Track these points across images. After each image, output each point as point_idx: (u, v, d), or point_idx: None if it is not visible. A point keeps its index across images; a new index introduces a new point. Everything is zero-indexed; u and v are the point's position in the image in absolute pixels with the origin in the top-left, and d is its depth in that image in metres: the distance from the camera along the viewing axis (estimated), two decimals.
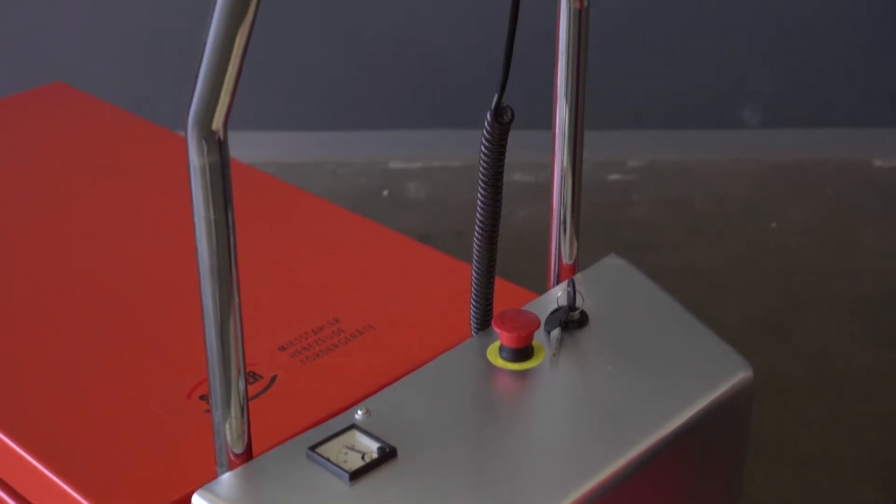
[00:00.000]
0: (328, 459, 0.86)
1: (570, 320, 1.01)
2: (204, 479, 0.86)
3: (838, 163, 2.50)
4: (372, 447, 0.87)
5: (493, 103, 0.90)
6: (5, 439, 1.00)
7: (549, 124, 1.04)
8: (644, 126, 2.54)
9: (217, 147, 0.76)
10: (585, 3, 0.99)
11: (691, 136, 2.54)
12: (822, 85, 2.50)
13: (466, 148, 2.52)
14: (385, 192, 2.44)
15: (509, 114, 0.91)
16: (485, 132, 0.92)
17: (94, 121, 1.59)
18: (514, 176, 2.42)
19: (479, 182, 0.94)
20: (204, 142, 0.75)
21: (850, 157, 2.50)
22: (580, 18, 0.99)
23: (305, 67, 2.49)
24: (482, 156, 0.92)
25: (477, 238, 0.96)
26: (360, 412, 0.91)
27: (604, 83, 2.42)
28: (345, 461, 0.86)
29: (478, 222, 0.96)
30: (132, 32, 2.45)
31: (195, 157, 0.76)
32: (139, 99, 2.29)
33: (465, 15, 2.41)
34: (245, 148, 2.20)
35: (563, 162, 1.05)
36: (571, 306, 1.01)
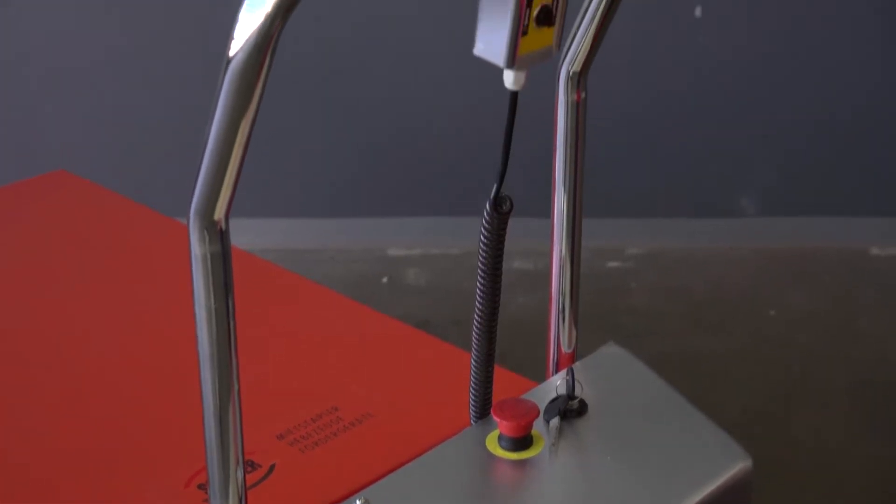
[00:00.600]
0: None
1: (570, 409, 1.01)
2: None
3: (836, 251, 2.51)
4: None
5: (493, 193, 0.91)
6: None
7: (547, 212, 1.05)
8: (642, 214, 2.55)
9: (219, 237, 0.77)
10: (583, 95, 1.00)
11: (689, 224, 2.55)
12: (819, 174, 2.52)
13: (466, 235, 2.53)
14: (384, 279, 2.45)
15: (508, 203, 0.91)
16: (484, 221, 0.92)
17: (97, 209, 1.60)
18: (513, 263, 2.42)
19: (479, 270, 0.94)
20: (206, 232, 0.76)
21: (848, 245, 2.51)
22: (578, 109, 1.01)
23: (304, 155, 2.51)
24: (481, 244, 0.93)
25: (476, 326, 0.97)
26: (359, 502, 0.90)
27: (602, 171, 2.44)
28: None
29: (477, 310, 0.96)
30: (134, 120, 2.48)
31: (197, 247, 0.77)
32: (142, 185, 2.30)
33: (464, 103, 2.44)
34: (245, 235, 2.22)
35: (561, 250, 1.06)
36: (570, 395, 1.01)
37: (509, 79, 0.84)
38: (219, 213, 0.76)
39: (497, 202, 0.91)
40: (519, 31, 0.80)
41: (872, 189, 2.53)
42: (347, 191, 2.55)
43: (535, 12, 0.80)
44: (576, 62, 0.99)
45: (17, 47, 2.43)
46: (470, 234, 2.77)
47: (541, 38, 0.82)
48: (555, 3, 0.82)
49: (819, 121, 2.49)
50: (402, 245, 2.53)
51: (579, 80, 1.00)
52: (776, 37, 2.43)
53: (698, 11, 2.40)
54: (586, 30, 0.98)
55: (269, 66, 0.70)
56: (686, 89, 2.46)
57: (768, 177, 2.53)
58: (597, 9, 0.96)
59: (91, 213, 1.59)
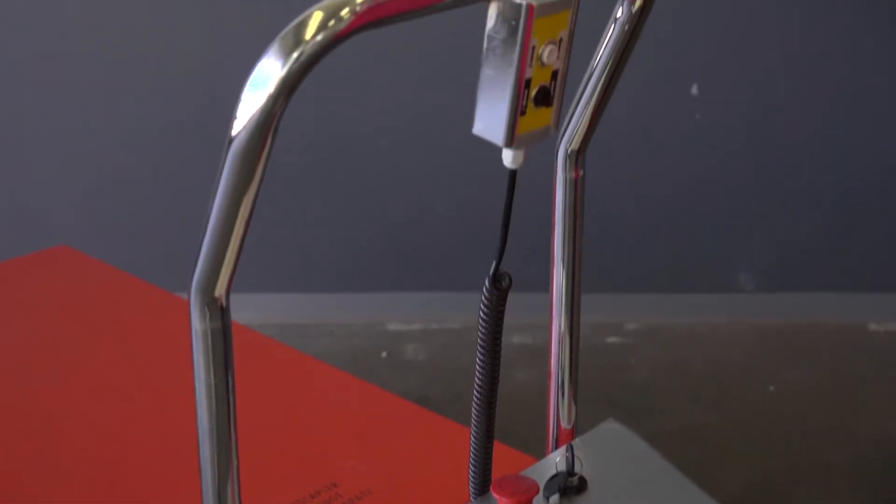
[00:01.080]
0: None
1: (569, 486, 1.00)
2: None
3: (834, 326, 2.51)
4: None
5: (491, 270, 0.91)
6: None
7: (546, 287, 1.05)
8: (641, 289, 2.55)
9: (219, 313, 0.77)
10: (581, 173, 1.01)
11: (688, 299, 2.55)
12: (816, 250, 2.53)
13: (465, 310, 2.53)
14: (384, 354, 2.44)
15: (507, 280, 0.92)
16: (483, 298, 0.93)
17: (97, 285, 1.60)
18: (512, 338, 2.42)
19: (478, 346, 0.94)
20: (206, 308, 0.76)
21: (846, 321, 2.52)
22: (576, 187, 1.02)
23: (304, 230, 2.52)
24: (480, 321, 0.93)
25: (475, 401, 0.97)
26: None
27: (601, 246, 2.45)
28: None
29: (476, 385, 0.96)
30: (136, 195, 2.49)
31: (197, 323, 0.77)
32: (143, 260, 2.31)
33: (464, 179, 2.45)
34: (245, 309, 2.22)
35: (560, 325, 1.06)
36: (570, 472, 1.01)
37: (508, 157, 0.85)
38: (219, 290, 0.76)
39: (496, 279, 0.92)
40: (517, 112, 0.81)
41: (870, 265, 2.54)
42: (347, 265, 2.56)
43: (533, 93, 0.81)
44: (574, 140, 1.00)
45: (19, 123, 2.45)
46: (469, 309, 2.76)
47: (539, 117, 0.83)
48: (553, 83, 0.83)
49: (816, 197, 2.50)
50: (402, 320, 2.53)
51: (577, 157, 1.01)
52: (772, 114, 2.45)
53: (695, 89, 2.43)
54: (584, 108, 0.99)
55: (272, 145, 0.70)
56: (683, 166, 2.48)
57: (766, 252, 2.54)
58: (595, 87, 0.97)
59: (92, 288, 1.59)
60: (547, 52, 0.80)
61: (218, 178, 0.72)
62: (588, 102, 0.98)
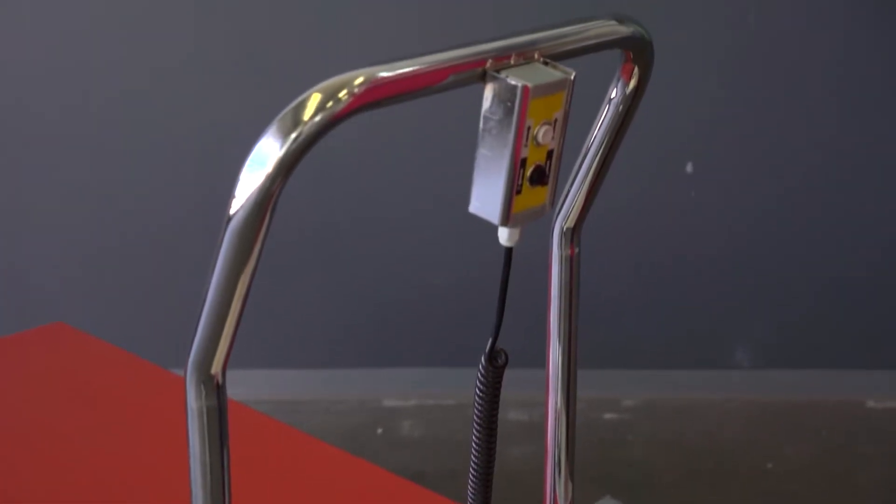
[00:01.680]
0: None
1: None
2: None
3: (832, 403, 2.50)
4: None
5: (487, 347, 0.91)
6: None
7: (543, 363, 1.05)
8: (638, 365, 2.55)
9: (215, 391, 0.77)
10: (577, 250, 1.02)
11: (685, 375, 2.55)
12: (813, 327, 2.53)
13: (460, 386, 2.53)
14: (379, 430, 2.43)
15: (503, 357, 0.92)
16: (479, 375, 0.93)
17: (94, 362, 1.60)
18: (508, 414, 2.41)
19: (474, 423, 0.94)
20: (202, 386, 0.76)
21: (844, 397, 2.51)
22: (572, 264, 1.02)
23: (299, 306, 2.52)
24: (476, 398, 0.93)
25: (472, 478, 0.96)
26: None
27: (597, 322, 2.45)
28: None
29: (473, 462, 0.96)
30: (133, 272, 2.50)
31: (193, 401, 0.77)
32: (139, 336, 2.31)
33: (459, 256, 2.46)
34: (238, 386, 2.21)
35: (556, 402, 1.06)
36: None
37: (503, 235, 0.85)
38: (216, 368, 0.77)
39: (492, 356, 0.92)
40: (513, 191, 0.82)
41: (867, 342, 2.54)
42: (341, 341, 2.56)
43: (528, 172, 0.82)
44: (569, 218, 1.01)
45: (18, 199, 2.46)
46: (465, 385, 2.76)
47: (535, 196, 0.84)
48: (548, 162, 0.84)
49: (813, 273, 2.51)
50: (397, 396, 2.52)
51: (573, 235, 1.01)
52: (767, 191, 2.47)
53: (689, 167, 2.44)
54: (580, 186, 1.00)
55: (269, 224, 0.71)
56: (679, 243, 2.49)
57: (762, 329, 2.54)
58: (590, 166, 0.98)
59: (89, 366, 1.59)
60: (542, 133, 0.81)
61: (215, 256, 0.73)
62: (583, 180, 0.99)
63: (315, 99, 0.69)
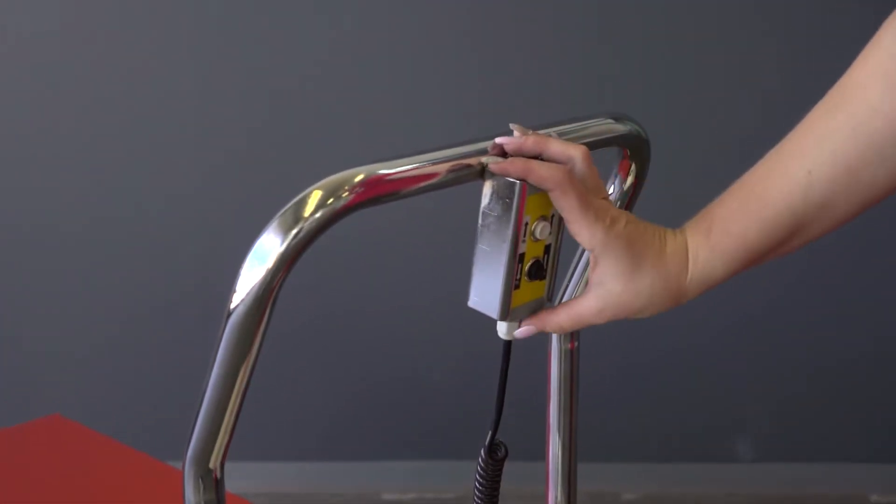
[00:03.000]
0: None
1: None
2: None
3: (835, 498, 2.48)
4: None
5: (487, 440, 0.91)
6: None
7: (542, 456, 1.05)
8: (638, 459, 2.53)
9: (213, 485, 0.77)
10: (576, 344, 1.02)
11: (685, 469, 2.53)
12: (814, 420, 2.52)
13: (460, 479, 2.51)
14: None
15: (503, 450, 0.92)
16: (479, 468, 0.92)
17: (91, 455, 1.59)
18: None
19: None
20: (201, 481, 0.76)
21: (847, 492, 2.49)
22: (571, 357, 1.02)
23: (297, 398, 2.51)
24: (476, 490, 0.93)
25: None
26: None
27: (596, 416, 2.44)
28: None
29: None
30: (130, 364, 2.49)
31: (191, 496, 0.76)
32: (137, 429, 2.29)
33: (458, 349, 2.46)
34: (236, 479, 2.20)
35: (557, 495, 1.05)
36: None
37: (503, 329, 0.86)
38: (214, 462, 0.76)
39: (492, 449, 0.92)
40: (511, 286, 0.83)
41: (870, 435, 2.52)
42: (340, 434, 2.54)
43: (526, 267, 0.83)
44: None
45: (13, 290, 2.46)
46: (465, 478, 2.73)
47: (533, 290, 0.85)
48: (546, 257, 0.84)
49: (814, 366, 2.50)
50: (396, 489, 2.50)
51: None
52: (765, 283, 2.47)
53: None
54: (578, 281, 1.00)
55: (270, 319, 0.71)
56: (677, 337, 2.48)
57: (763, 422, 2.53)
58: (588, 259, 0.99)
59: (85, 459, 1.58)
60: (540, 228, 0.82)
61: (215, 350, 0.73)
62: (582, 275, 1.00)
63: (316, 196, 0.70)
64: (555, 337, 1.02)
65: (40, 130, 2.38)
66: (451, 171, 0.78)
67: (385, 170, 0.73)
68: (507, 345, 0.88)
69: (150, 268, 2.44)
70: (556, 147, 0.81)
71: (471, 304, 0.84)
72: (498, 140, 0.81)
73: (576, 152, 0.82)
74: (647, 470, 2.53)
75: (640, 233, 0.83)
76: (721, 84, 2.35)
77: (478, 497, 0.93)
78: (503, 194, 0.80)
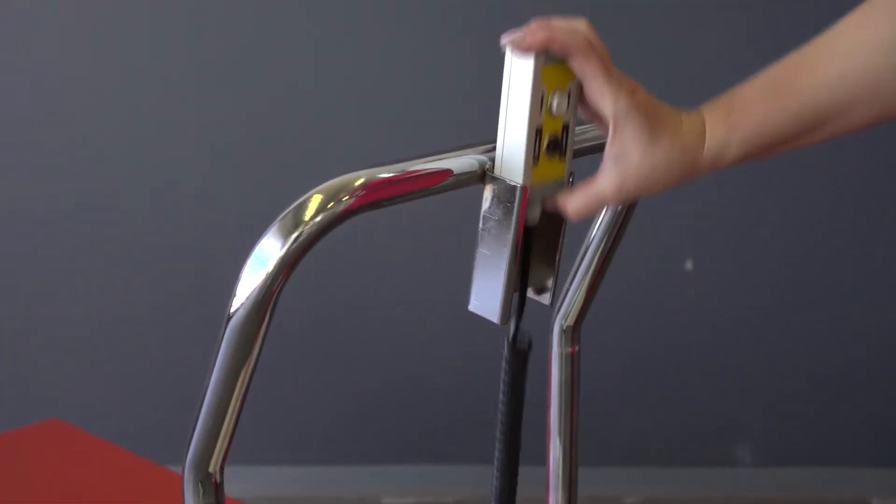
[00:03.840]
0: None
1: None
2: None
3: (835, 502, 2.48)
4: None
5: (511, 332, 0.88)
6: None
7: (543, 461, 1.05)
8: (638, 463, 2.53)
9: (213, 490, 0.76)
10: (577, 348, 1.02)
11: (686, 473, 2.53)
12: (815, 424, 2.52)
13: (460, 483, 2.51)
14: None
15: (528, 340, 0.89)
16: (504, 367, 0.89)
17: (89, 459, 1.59)
18: None
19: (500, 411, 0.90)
20: (200, 485, 0.76)
21: (848, 496, 2.48)
22: (572, 361, 1.02)
23: (296, 402, 2.51)
24: (501, 403, 0.89)
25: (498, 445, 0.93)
26: None
27: (597, 420, 2.44)
28: None
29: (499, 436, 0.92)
30: (129, 367, 2.49)
31: (191, 500, 0.76)
32: (136, 432, 2.29)
33: (458, 351, 2.46)
34: (235, 483, 2.19)
35: (557, 500, 1.05)
36: None
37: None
38: (214, 466, 0.76)
39: (516, 339, 0.88)
40: (511, 290, 0.82)
41: (871, 439, 2.52)
42: (340, 438, 2.54)
43: (545, 142, 0.82)
44: (569, 316, 1.01)
45: (14, 293, 2.46)
46: (464, 482, 2.73)
47: (552, 168, 0.84)
48: (564, 136, 0.84)
49: (815, 370, 2.50)
50: (396, 493, 2.50)
51: (573, 333, 1.01)
52: (767, 288, 2.47)
53: (689, 264, 2.45)
54: (579, 285, 1.00)
55: (270, 322, 0.71)
56: (678, 340, 2.48)
57: (764, 426, 2.53)
58: (589, 265, 0.99)
59: (84, 463, 1.57)
60: (557, 101, 0.82)
61: (215, 354, 0.73)
62: (583, 279, 1.00)
63: (316, 199, 0.70)
64: (555, 341, 1.02)
65: (37, 141, 2.38)
66: (451, 174, 0.77)
67: (385, 174, 0.73)
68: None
69: (150, 271, 2.44)
70: (561, 22, 0.81)
71: (471, 308, 0.84)
72: (505, 37, 0.81)
73: (581, 24, 0.82)
74: (648, 474, 2.53)
75: (659, 104, 0.83)
76: (724, 86, 2.35)
77: (502, 408, 0.90)
78: (504, 198, 0.80)
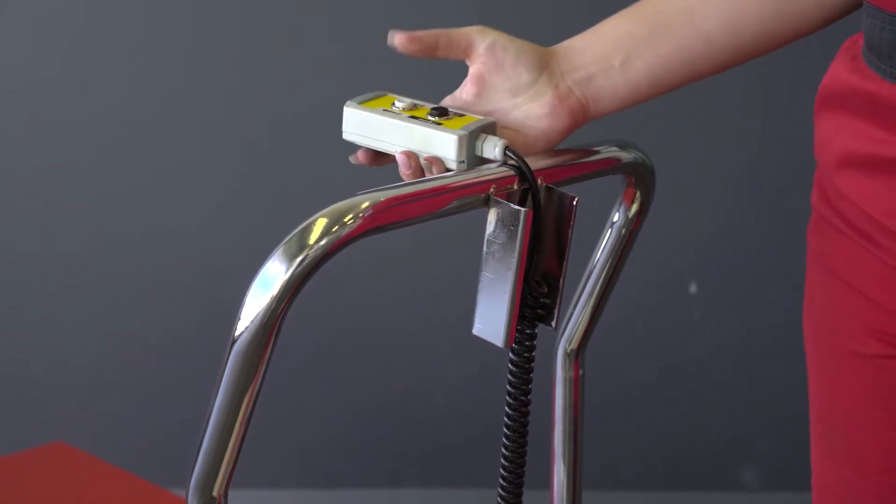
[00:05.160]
0: None
1: None
2: None
3: None
4: None
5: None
6: None
7: (547, 484, 1.04)
8: (644, 487, 2.52)
9: None
10: (581, 372, 1.02)
11: (690, 497, 2.52)
12: None
13: None
14: None
15: (545, 286, 0.88)
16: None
17: (93, 482, 1.58)
18: None
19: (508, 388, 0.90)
20: None
21: None
22: (576, 386, 1.02)
23: (299, 423, 2.50)
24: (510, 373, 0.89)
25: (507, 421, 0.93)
26: None
27: (601, 443, 2.43)
28: None
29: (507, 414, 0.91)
30: (133, 390, 2.49)
31: None
32: (140, 455, 2.29)
33: (461, 375, 2.45)
34: None
35: None
36: None
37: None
38: (218, 490, 0.76)
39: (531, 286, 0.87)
40: (516, 313, 0.82)
41: None
42: (344, 462, 2.53)
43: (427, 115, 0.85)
44: (573, 340, 1.01)
45: (23, 345, 2.47)
46: None
47: (457, 121, 0.88)
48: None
49: None
50: None
51: (577, 356, 1.01)
52: (771, 311, 2.47)
53: (693, 287, 2.45)
54: (583, 308, 1.00)
55: (274, 346, 0.71)
56: (683, 363, 2.48)
57: (769, 450, 2.52)
58: (593, 288, 0.99)
59: (87, 486, 1.57)
60: None
61: (220, 377, 0.73)
62: (587, 302, 1.00)
63: (321, 223, 0.70)
64: (559, 365, 1.02)
65: (36, 154, 2.38)
66: (455, 198, 0.78)
67: (390, 197, 0.73)
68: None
69: (154, 295, 2.44)
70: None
71: (475, 331, 0.84)
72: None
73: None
74: (652, 498, 2.52)
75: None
76: (728, 108, 2.36)
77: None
78: (508, 222, 0.80)
